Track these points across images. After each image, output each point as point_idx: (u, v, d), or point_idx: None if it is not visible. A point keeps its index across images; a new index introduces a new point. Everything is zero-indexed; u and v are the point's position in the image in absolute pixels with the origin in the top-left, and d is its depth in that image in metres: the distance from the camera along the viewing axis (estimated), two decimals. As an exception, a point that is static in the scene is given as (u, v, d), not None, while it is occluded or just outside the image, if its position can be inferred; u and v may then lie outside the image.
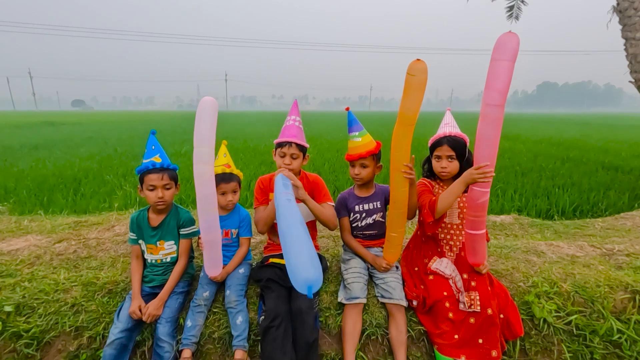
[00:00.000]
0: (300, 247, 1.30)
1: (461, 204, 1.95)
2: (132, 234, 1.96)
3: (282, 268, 2.00)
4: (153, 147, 1.87)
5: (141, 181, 1.87)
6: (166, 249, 1.96)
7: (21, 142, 12.06)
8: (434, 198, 1.86)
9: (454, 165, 1.90)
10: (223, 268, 1.97)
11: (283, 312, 1.76)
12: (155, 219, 1.96)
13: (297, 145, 1.97)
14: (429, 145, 1.98)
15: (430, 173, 2.05)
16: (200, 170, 1.71)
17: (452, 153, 1.88)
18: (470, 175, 1.68)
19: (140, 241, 1.97)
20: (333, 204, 2.12)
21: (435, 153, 1.94)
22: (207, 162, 1.71)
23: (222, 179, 2.01)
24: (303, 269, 1.23)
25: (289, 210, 1.47)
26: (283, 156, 1.99)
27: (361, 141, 1.98)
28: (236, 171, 2.09)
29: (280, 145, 1.99)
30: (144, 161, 1.85)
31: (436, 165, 1.95)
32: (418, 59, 1.62)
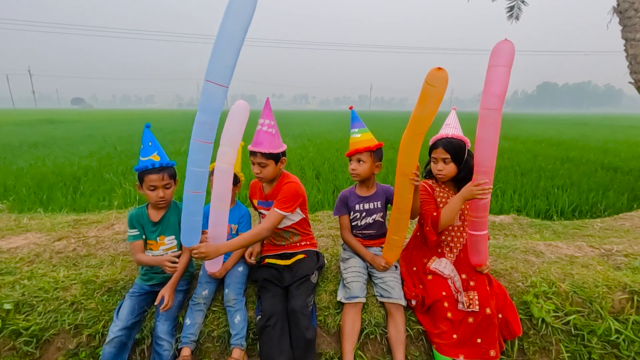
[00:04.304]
0: None
1: (462, 206, 1.95)
2: (133, 230, 1.94)
3: (278, 268, 2.00)
4: (150, 144, 1.84)
5: (140, 179, 1.86)
6: (166, 244, 1.96)
7: (21, 140, 12.04)
8: (435, 214, 1.86)
9: (450, 167, 1.89)
10: (222, 264, 1.98)
11: (279, 311, 1.77)
12: (155, 215, 1.96)
13: (263, 154, 1.87)
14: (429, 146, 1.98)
15: (431, 174, 2.05)
16: (220, 168, 1.78)
17: (447, 156, 1.86)
18: (469, 191, 1.71)
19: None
20: (285, 214, 1.92)
21: (432, 155, 1.94)
22: (229, 161, 1.79)
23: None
24: None
25: None
26: (254, 164, 1.94)
27: (360, 137, 1.97)
28: (237, 169, 2.08)
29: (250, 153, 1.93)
30: (142, 159, 1.82)
31: (433, 167, 1.95)
32: (439, 68, 1.53)
